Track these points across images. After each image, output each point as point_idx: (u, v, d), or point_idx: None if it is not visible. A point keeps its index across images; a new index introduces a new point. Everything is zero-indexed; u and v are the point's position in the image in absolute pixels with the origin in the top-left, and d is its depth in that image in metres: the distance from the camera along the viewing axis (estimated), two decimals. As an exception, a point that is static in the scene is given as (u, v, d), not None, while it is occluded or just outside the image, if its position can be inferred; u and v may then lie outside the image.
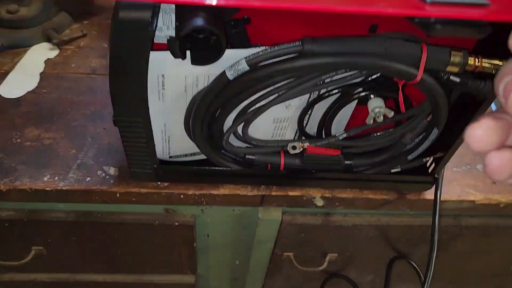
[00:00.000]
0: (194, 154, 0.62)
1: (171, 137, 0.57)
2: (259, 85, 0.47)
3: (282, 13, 0.47)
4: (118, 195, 0.62)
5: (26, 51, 0.78)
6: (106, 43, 0.81)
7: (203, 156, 0.59)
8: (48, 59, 0.78)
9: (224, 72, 0.46)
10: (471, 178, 0.69)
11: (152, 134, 0.54)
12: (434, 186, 0.63)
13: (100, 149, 0.66)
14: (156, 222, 0.71)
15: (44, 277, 0.88)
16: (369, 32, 0.49)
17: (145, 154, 0.57)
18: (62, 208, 0.70)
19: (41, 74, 0.75)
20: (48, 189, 0.61)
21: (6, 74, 0.75)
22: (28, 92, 0.73)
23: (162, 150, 0.59)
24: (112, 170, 0.64)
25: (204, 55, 0.45)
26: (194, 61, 0.46)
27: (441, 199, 0.65)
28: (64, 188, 0.61)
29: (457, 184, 0.68)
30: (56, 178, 0.62)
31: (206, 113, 0.50)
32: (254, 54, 0.45)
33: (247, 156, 0.60)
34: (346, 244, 0.78)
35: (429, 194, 0.66)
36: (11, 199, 0.63)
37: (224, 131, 0.55)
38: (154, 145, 0.56)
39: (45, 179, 0.62)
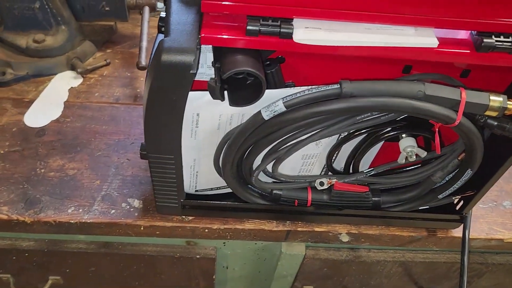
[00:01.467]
0: (220, 188, 0.61)
1: (199, 172, 0.57)
2: (294, 125, 0.47)
3: (316, 55, 0.47)
4: (142, 228, 0.62)
5: (50, 80, 0.79)
6: (129, 72, 0.82)
7: (229, 189, 0.59)
8: (72, 87, 0.78)
9: (259, 112, 0.46)
10: (498, 216, 0.68)
11: (182, 171, 0.54)
12: (462, 225, 0.62)
13: (124, 180, 0.66)
14: (177, 254, 0.70)
15: (58, 306, 0.87)
16: (403, 72, 0.49)
17: (173, 189, 0.56)
18: (83, 239, 0.69)
19: (64, 103, 0.76)
20: (72, 221, 0.61)
21: (30, 102, 0.75)
22: (52, 121, 0.73)
23: (189, 184, 0.59)
24: (136, 203, 0.63)
25: (243, 96, 0.45)
26: (232, 103, 0.45)
27: (470, 237, 0.64)
28: (88, 221, 0.61)
29: (484, 221, 0.67)
30: (80, 210, 0.62)
31: (238, 151, 0.50)
32: (292, 95, 0.44)
33: (274, 191, 0.59)
34: (367, 279, 0.77)
35: (456, 232, 0.65)
36: (35, 231, 0.62)
37: (254, 167, 0.55)
38: (182, 180, 0.55)
39: (70, 211, 0.61)
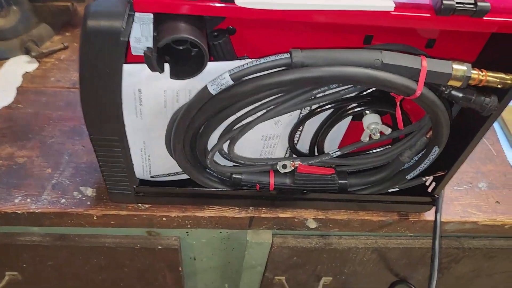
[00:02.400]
0: (177, 173, 0.58)
1: (151, 156, 0.53)
2: (245, 100, 0.43)
3: (270, 23, 0.44)
4: (95, 218, 0.58)
5: (2, 64, 0.74)
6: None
7: (188, 176, 0.55)
8: (26, 72, 0.74)
9: (206, 87, 0.42)
10: (473, 198, 0.65)
11: (130, 153, 0.50)
12: (434, 207, 0.59)
13: (78, 168, 0.62)
14: (138, 245, 0.66)
15: (21, 303, 0.83)
16: (364, 43, 0.46)
17: (122, 174, 0.52)
18: (37, 231, 0.65)
19: (18, 88, 0.71)
20: (19, 212, 0.57)
21: (-20, 88, 0.71)
22: (3, 108, 0.68)
23: (142, 170, 0.55)
24: (89, 191, 0.59)
25: (184, 68, 0.42)
26: (174, 75, 0.42)
27: (443, 220, 0.61)
28: (37, 211, 0.57)
29: (458, 204, 0.64)
30: (28, 199, 0.58)
31: (188, 130, 0.46)
32: (239, 67, 0.41)
33: (234, 176, 0.56)
34: (341, 267, 0.74)
35: (429, 215, 0.62)
36: (-20, 223, 0.58)
37: (209, 149, 0.51)
38: (132, 165, 0.52)
39: (17, 201, 0.57)
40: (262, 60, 0.40)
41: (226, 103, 0.43)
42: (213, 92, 0.42)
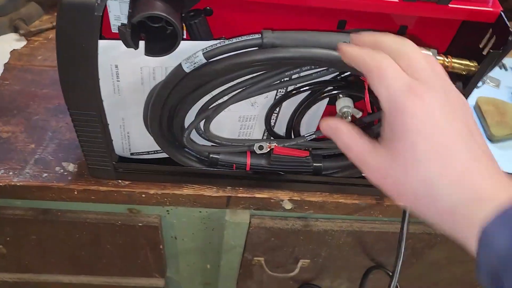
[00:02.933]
0: (157, 151, 0.59)
1: (130, 133, 0.54)
2: (218, 79, 0.45)
3: (247, 6, 0.45)
4: (76, 192, 0.59)
5: (-10, 41, 0.75)
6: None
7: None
8: (14, 50, 0.75)
9: (180, 65, 0.43)
10: (446, 185, 0.67)
11: (108, 129, 0.51)
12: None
13: (61, 144, 0.63)
14: (119, 222, 0.68)
15: (6, 277, 0.85)
16: (337, 28, 0.47)
17: (102, 150, 0.54)
18: (20, 205, 0.67)
19: (5, 65, 0.72)
20: (1, 184, 0.58)
21: (-32, 64, 0.72)
22: (-10, 83, 0.69)
23: (121, 147, 0.56)
24: (71, 167, 0.61)
25: (159, 46, 0.43)
26: (148, 52, 0.43)
27: (414, 205, 0.63)
28: (18, 184, 0.58)
29: (431, 190, 0.66)
30: (10, 173, 0.59)
31: (164, 108, 0.48)
32: (212, 46, 0.42)
33: (211, 155, 0.57)
34: (318, 250, 0.76)
35: (402, 200, 0.64)
36: (-38, 195, 0.60)
37: (186, 127, 0.53)
38: (111, 141, 0.53)
39: (-1, 173, 0.59)
40: (234, 40, 0.42)
41: (200, 81, 0.45)
42: (187, 70, 0.43)
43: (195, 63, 0.43)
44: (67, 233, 0.70)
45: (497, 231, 0.28)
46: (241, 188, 0.61)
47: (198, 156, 0.58)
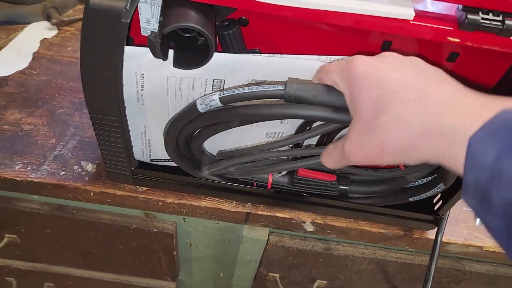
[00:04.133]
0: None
1: (152, 140, 0.52)
2: (234, 123, 0.42)
3: (286, 19, 0.41)
4: (92, 194, 0.58)
5: (23, 29, 0.74)
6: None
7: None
8: (45, 38, 0.74)
9: (195, 104, 0.41)
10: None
11: (129, 135, 0.49)
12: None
13: (82, 141, 0.61)
14: (134, 226, 0.66)
15: (19, 264, 0.85)
16: (381, 49, 0.43)
17: (121, 155, 0.52)
18: (36, 199, 0.66)
19: (34, 54, 0.71)
20: (18, 179, 0.57)
21: (-3, 50, 0.71)
22: (17, 72, 0.68)
23: (142, 152, 0.54)
24: (89, 167, 0.59)
25: (189, 57, 0.40)
26: (177, 64, 0.40)
27: (446, 240, 0.59)
28: (35, 180, 0.57)
29: (464, 225, 0.61)
30: (28, 168, 0.58)
31: (179, 136, 0.46)
32: (229, 91, 0.39)
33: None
34: (337, 273, 0.72)
35: (433, 234, 0.59)
36: (-20, 185, 0.59)
37: (204, 148, 0.50)
38: (131, 147, 0.51)
39: (17, 167, 0.58)
40: (255, 88, 0.38)
41: (215, 121, 0.42)
42: (201, 111, 0.41)
43: (210, 106, 0.40)
44: (81, 230, 0.69)
45: (484, 142, 0.27)
46: (261, 206, 0.59)
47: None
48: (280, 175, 0.53)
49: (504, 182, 0.26)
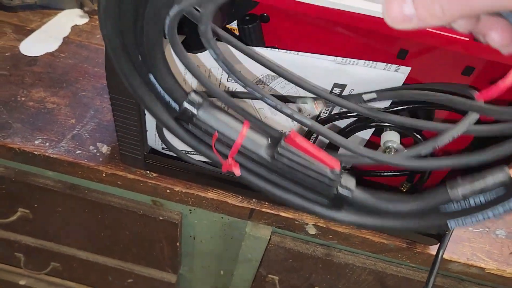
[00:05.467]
0: (188, 152, 0.58)
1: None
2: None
3: (308, 19, 0.43)
4: (104, 175, 0.60)
5: (56, 14, 0.78)
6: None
7: (196, 154, 0.56)
8: (76, 25, 0.77)
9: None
10: (486, 243, 0.62)
11: (145, 119, 0.51)
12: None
13: (100, 124, 0.64)
14: (141, 212, 0.67)
15: (28, 241, 0.87)
16: (397, 57, 0.44)
17: (135, 138, 0.53)
18: (51, 176, 0.68)
19: (64, 38, 0.74)
20: (36, 153, 0.59)
21: (31, 31, 0.74)
22: (47, 53, 0.71)
23: (154, 139, 0.56)
24: (104, 148, 0.61)
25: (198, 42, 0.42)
26: (186, 47, 0.42)
27: (447, 258, 0.58)
28: (51, 156, 0.59)
29: (469, 245, 0.61)
30: (47, 144, 0.60)
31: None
32: None
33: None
34: (335, 281, 0.72)
35: (435, 250, 0.59)
36: (2, 156, 0.61)
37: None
38: (146, 131, 0.53)
39: (36, 142, 0.60)
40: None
41: None
42: None
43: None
44: (90, 211, 0.71)
45: None
46: (266, 203, 0.59)
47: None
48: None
49: None
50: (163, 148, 0.58)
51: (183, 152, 0.54)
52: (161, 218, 0.67)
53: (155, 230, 0.71)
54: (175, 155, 0.58)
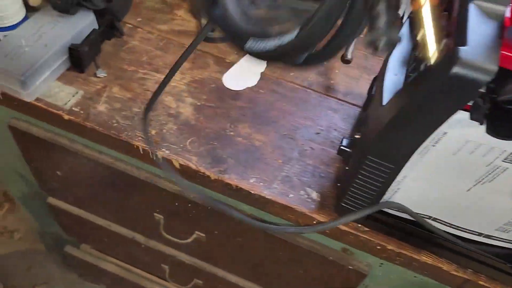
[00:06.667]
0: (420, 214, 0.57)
1: (400, 190, 0.53)
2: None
3: None
4: (314, 222, 0.60)
5: (251, 47, 0.80)
6: (327, 62, 0.80)
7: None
8: (270, 60, 0.79)
9: None
10: None
11: (392, 183, 0.50)
12: None
13: (305, 168, 0.64)
14: (330, 257, 0.67)
15: (183, 257, 0.90)
16: None
17: (369, 196, 0.53)
18: (246, 209, 0.70)
19: (261, 73, 0.76)
20: (252, 192, 0.61)
21: (230, 64, 0.77)
22: (247, 88, 0.74)
23: (386, 196, 0.55)
24: (314, 195, 0.62)
25: (507, 126, 0.40)
26: (491, 131, 0.41)
27: None
28: (267, 197, 0.60)
29: None
30: (261, 184, 0.62)
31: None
32: None
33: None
34: None
35: None
36: (212, 188, 0.64)
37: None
38: (385, 193, 0.52)
39: (251, 181, 0.62)
40: None
41: None
42: None
43: None
44: (276, 247, 0.72)
45: None
46: (483, 276, 0.57)
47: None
48: None
49: None
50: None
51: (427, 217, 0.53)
52: (350, 267, 0.67)
53: (336, 276, 0.70)
54: (403, 217, 0.57)
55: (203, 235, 0.79)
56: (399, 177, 0.51)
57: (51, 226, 1.19)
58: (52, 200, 0.96)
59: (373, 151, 0.47)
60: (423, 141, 0.43)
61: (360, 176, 0.51)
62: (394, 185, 0.52)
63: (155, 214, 0.79)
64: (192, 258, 0.91)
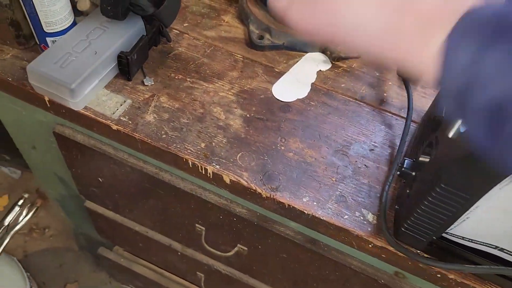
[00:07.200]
0: (482, 243, 0.53)
1: (469, 219, 0.50)
2: None
3: None
4: (371, 246, 0.57)
5: (300, 56, 0.77)
6: (378, 72, 0.77)
7: (490, 248, 0.51)
8: (320, 70, 0.76)
9: None
10: None
11: (463, 213, 0.47)
12: None
13: (360, 187, 0.61)
14: (382, 281, 0.64)
15: (219, 267, 0.89)
16: None
17: (434, 224, 0.50)
18: (293, 226, 0.67)
19: (312, 84, 0.73)
20: (305, 211, 0.58)
21: (279, 74, 0.74)
22: (298, 100, 0.71)
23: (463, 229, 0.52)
24: (370, 216, 0.59)
25: None
26: None
27: None
28: (321, 217, 0.58)
29: None
30: (314, 203, 0.59)
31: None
32: None
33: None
34: None
35: None
36: (262, 205, 0.62)
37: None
38: (453, 222, 0.49)
39: (305, 200, 0.59)
40: None
41: None
42: None
43: None
44: (323, 267, 0.70)
45: (462, 36, 0.26)
46: (554, 312, 0.53)
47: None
48: None
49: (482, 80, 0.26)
50: (447, 233, 0.54)
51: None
52: (402, 292, 0.64)
53: (386, 299, 0.67)
54: (459, 243, 0.54)
55: (245, 248, 0.77)
56: (471, 207, 0.48)
57: (86, 228, 1.20)
58: (89, 204, 0.96)
59: (447, 179, 0.44)
60: (510, 173, 0.40)
61: (426, 203, 0.48)
62: (463, 215, 0.49)
63: (197, 225, 0.78)
64: (228, 268, 0.89)
